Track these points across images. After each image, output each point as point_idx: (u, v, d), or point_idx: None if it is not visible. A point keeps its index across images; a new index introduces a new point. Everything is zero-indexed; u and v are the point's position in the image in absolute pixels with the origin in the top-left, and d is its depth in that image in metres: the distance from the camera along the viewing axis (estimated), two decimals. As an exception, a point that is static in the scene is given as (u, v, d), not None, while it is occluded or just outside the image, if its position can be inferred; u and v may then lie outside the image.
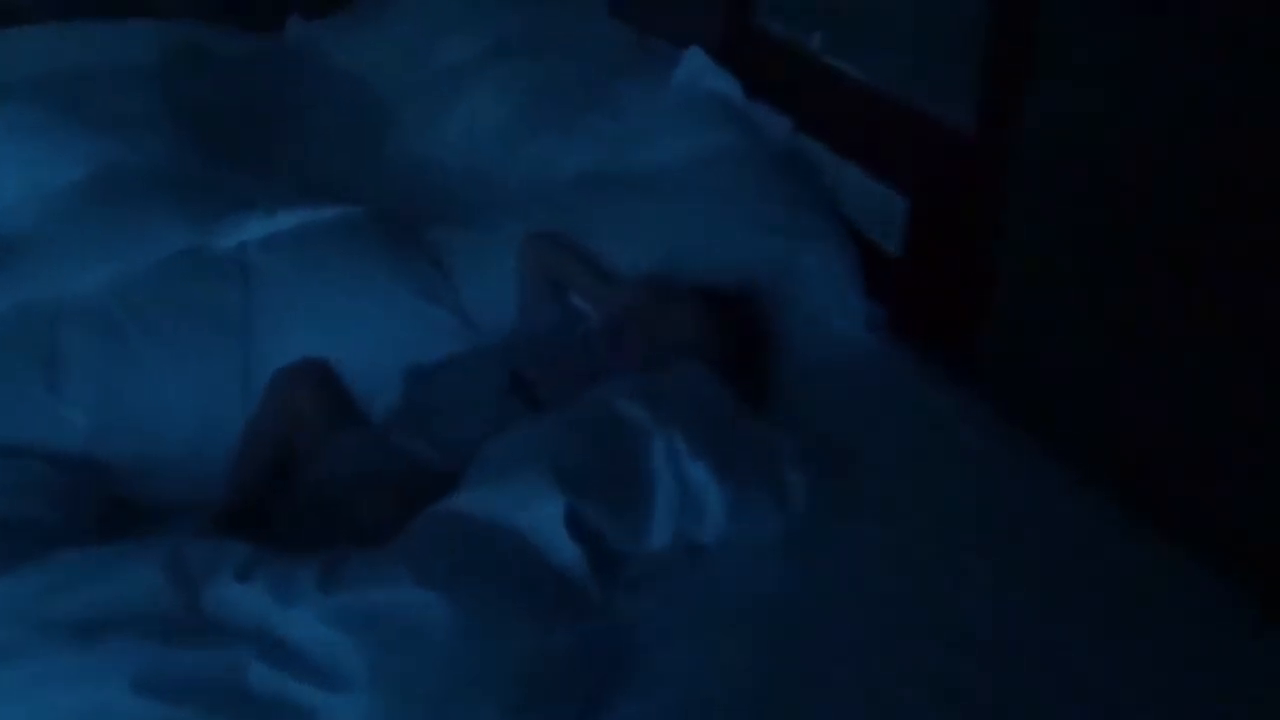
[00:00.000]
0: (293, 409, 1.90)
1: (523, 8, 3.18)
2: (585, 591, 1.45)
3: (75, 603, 1.28)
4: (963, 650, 1.45)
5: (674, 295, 2.00)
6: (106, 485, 1.83)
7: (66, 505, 1.67)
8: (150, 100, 2.55)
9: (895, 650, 1.45)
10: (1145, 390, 1.78)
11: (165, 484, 1.87)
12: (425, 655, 1.27)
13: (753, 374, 2.04)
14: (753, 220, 2.21)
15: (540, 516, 1.45)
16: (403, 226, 2.22)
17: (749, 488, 1.64)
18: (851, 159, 2.35)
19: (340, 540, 1.59)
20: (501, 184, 2.58)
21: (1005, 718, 1.37)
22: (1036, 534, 1.72)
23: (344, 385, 1.98)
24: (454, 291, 2.08)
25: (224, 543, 1.39)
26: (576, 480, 1.50)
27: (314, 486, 1.76)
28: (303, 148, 2.86)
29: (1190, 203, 1.67)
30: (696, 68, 2.50)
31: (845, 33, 2.36)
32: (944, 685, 1.39)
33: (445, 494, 1.59)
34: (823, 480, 1.76)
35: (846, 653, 1.44)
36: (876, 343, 2.19)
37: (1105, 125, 1.80)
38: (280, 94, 3.10)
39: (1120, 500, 1.77)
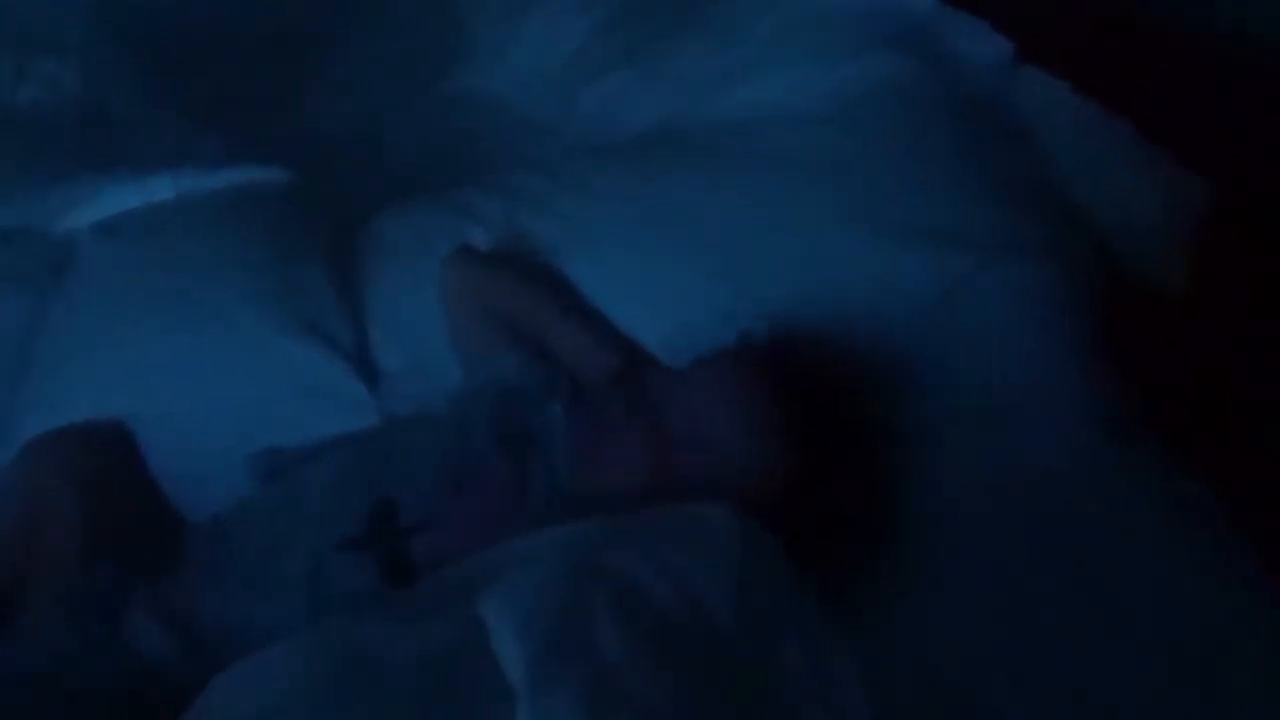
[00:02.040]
0: (38, 514, 1.12)
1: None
2: None
3: None
4: None
5: (720, 373, 1.08)
6: None
7: None
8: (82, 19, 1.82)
9: None
10: None
11: None
12: None
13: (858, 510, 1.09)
14: (904, 213, 1.22)
15: None
16: (332, 210, 1.40)
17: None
18: (1111, 112, 1.32)
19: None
20: (559, 139, 1.71)
21: None
22: None
23: (142, 474, 1.18)
24: (355, 328, 1.23)
25: None
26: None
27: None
28: (349, 78, 2.08)
29: None
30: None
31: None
32: None
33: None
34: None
35: None
36: (1119, 452, 1.16)
37: None
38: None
39: None
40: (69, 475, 1.12)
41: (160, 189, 1.39)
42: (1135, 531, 1.07)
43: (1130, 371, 1.21)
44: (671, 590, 0.88)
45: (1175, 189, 1.26)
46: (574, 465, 1.05)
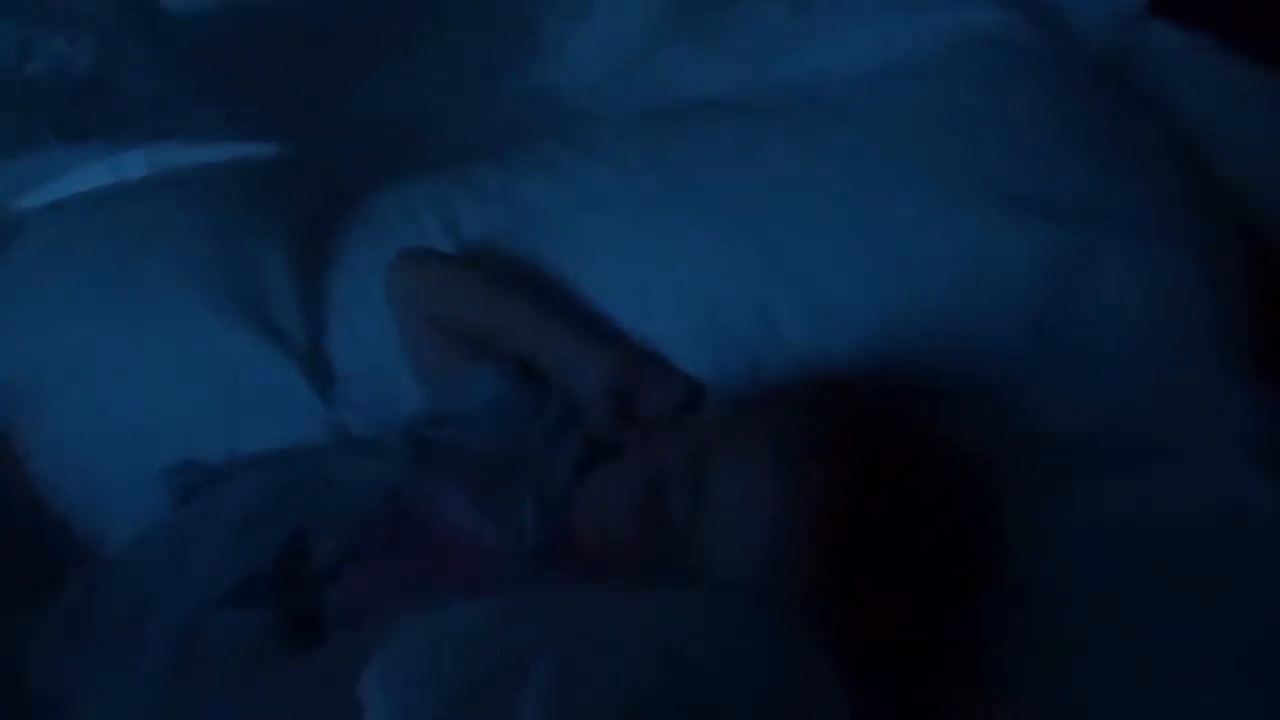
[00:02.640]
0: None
1: None
2: None
3: None
4: None
5: (747, 440, 0.79)
6: None
7: None
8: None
9: None
10: None
11: None
12: None
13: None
14: (997, 179, 0.96)
15: None
16: (327, 191, 1.20)
17: None
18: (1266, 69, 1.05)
19: None
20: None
21: None
22: None
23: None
24: (311, 318, 1.02)
25: None
26: None
27: None
28: (405, 73, 1.91)
29: None
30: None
31: None
32: None
33: None
34: None
35: None
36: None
37: None
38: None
39: None
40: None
41: (133, 165, 1.22)
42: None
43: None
44: (650, 692, 0.62)
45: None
46: (560, 511, 0.82)
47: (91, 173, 1.23)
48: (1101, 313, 0.94)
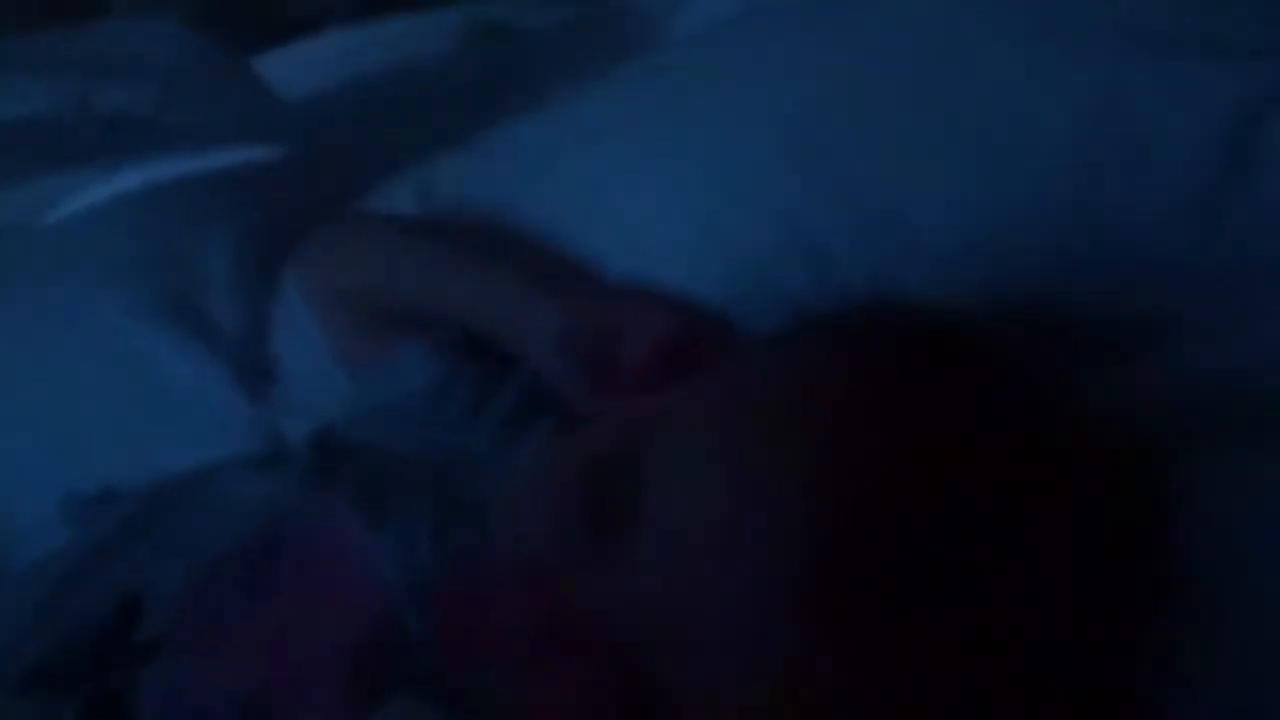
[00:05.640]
0: None
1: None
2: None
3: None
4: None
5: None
6: None
7: None
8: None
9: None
10: None
11: None
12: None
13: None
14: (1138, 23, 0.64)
15: None
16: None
17: None
18: None
19: None
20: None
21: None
22: None
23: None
24: (248, 305, 0.81)
25: None
26: None
27: None
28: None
29: None
30: None
31: None
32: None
33: None
34: None
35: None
36: None
37: None
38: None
39: None
40: None
41: (129, 180, 1.08)
42: None
43: None
44: None
45: None
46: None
47: (91, 193, 1.12)
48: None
